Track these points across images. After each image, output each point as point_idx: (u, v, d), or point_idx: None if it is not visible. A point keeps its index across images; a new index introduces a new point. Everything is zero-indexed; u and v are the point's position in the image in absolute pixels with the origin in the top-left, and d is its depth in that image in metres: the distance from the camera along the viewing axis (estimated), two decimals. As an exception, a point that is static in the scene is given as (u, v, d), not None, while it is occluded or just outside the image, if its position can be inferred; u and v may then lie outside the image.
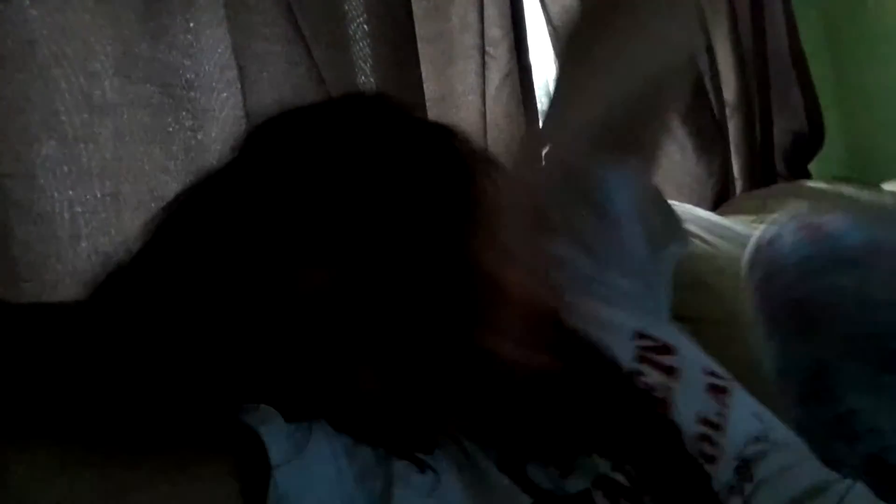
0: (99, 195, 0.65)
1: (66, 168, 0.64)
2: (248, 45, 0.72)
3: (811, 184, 1.37)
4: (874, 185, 1.33)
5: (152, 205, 0.66)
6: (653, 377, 0.45)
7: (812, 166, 1.55)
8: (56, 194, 0.64)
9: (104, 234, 0.65)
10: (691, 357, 0.48)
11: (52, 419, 0.38)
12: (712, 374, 0.47)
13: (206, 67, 0.71)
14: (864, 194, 1.26)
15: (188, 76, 0.70)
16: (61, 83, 0.64)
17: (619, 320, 0.48)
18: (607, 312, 0.48)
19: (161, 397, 0.37)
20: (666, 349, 0.47)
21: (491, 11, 0.97)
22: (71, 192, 0.64)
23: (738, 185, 1.41)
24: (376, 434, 0.40)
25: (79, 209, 0.64)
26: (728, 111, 1.40)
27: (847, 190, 1.27)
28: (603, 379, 0.43)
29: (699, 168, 1.29)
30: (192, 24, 0.71)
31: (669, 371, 0.45)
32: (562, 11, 1.10)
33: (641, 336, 0.47)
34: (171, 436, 0.37)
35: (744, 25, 1.46)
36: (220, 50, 0.71)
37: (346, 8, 0.79)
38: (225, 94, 0.72)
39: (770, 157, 1.48)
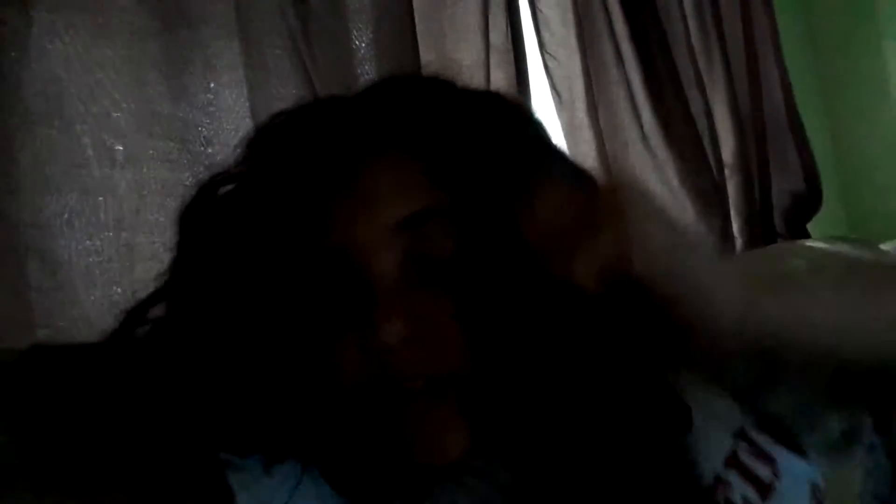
0: (115, 246, 0.67)
1: (84, 219, 0.66)
2: (264, 104, 0.75)
3: (810, 243, 1.38)
4: (872, 244, 1.34)
5: (165, 256, 0.68)
6: (740, 491, 0.38)
7: (811, 227, 1.57)
8: (73, 244, 0.66)
9: (117, 283, 0.67)
10: (797, 473, 0.41)
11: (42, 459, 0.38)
12: (818, 498, 0.41)
13: (224, 125, 0.74)
14: (864, 252, 1.28)
15: (206, 133, 0.73)
16: (85, 138, 0.67)
17: (726, 410, 0.41)
18: (718, 402, 0.41)
19: (154, 433, 0.37)
20: (766, 457, 0.40)
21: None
22: (88, 243, 0.66)
23: (739, 243, 1.43)
24: (363, 473, 0.39)
25: (95, 259, 0.66)
26: (727, 172, 1.43)
27: (845, 249, 1.29)
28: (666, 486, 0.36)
29: (699, 227, 1.31)
30: (212, 85, 0.74)
31: (762, 487, 0.39)
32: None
33: (744, 436, 0.41)
34: (159, 482, 0.37)
35: (741, 89, 1.50)
36: (237, 109, 0.74)
37: (359, 72, 0.83)
38: (239, 149, 0.75)
39: (769, 217, 1.51)
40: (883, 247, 1.35)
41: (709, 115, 1.38)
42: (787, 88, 1.58)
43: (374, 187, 0.38)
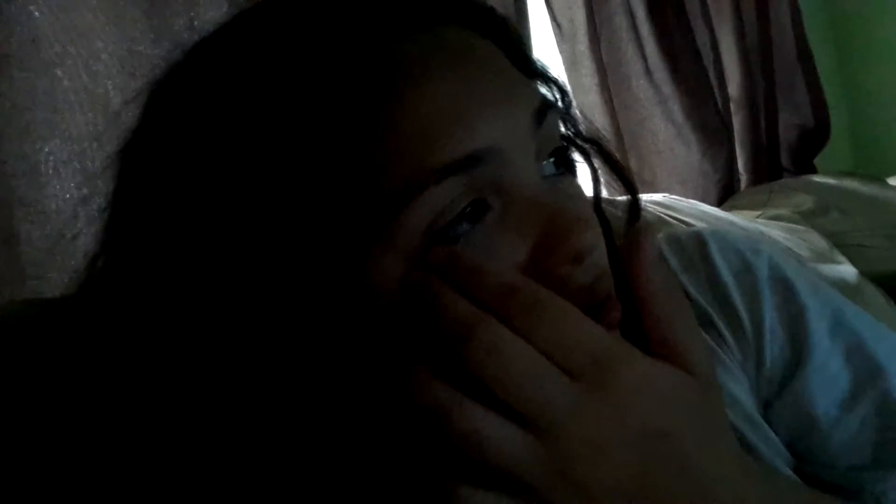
0: (103, 193, 0.65)
1: (70, 167, 0.64)
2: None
3: (816, 178, 1.36)
4: (880, 179, 1.32)
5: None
6: None
7: (817, 161, 1.55)
8: (60, 192, 0.64)
9: (108, 232, 0.66)
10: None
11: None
12: None
13: (210, 65, 0.71)
14: (871, 189, 1.26)
15: (191, 74, 0.70)
16: (65, 82, 0.64)
17: (739, 396, 0.37)
18: (732, 386, 0.38)
19: None
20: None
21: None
22: (75, 191, 0.65)
23: (744, 179, 1.41)
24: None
25: (83, 207, 0.64)
26: (733, 106, 1.40)
27: (852, 184, 1.27)
28: None
29: (704, 163, 1.29)
30: (195, 23, 0.71)
31: None
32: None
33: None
34: None
35: (749, 20, 1.45)
36: (223, 47, 0.71)
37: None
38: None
39: (775, 152, 1.48)
40: (891, 181, 1.33)
41: (715, 47, 1.34)
42: (797, 19, 1.52)
43: (501, 79, 0.29)
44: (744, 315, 0.39)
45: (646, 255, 0.28)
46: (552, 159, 0.31)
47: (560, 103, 0.36)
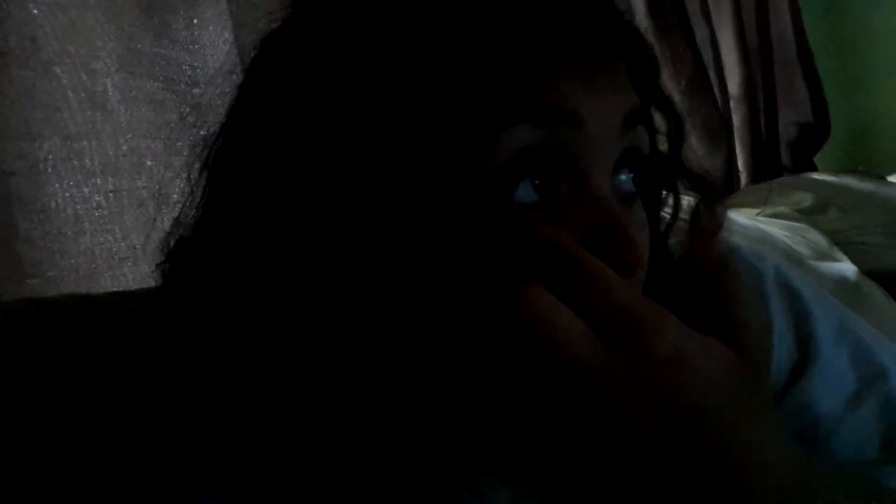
0: (102, 192, 0.66)
1: (69, 165, 0.64)
2: (250, 39, 0.72)
3: (816, 176, 1.36)
4: (880, 176, 1.32)
5: (153, 201, 0.66)
6: None
7: (817, 159, 1.55)
8: (59, 191, 0.64)
9: (107, 230, 0.65)
10: None
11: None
12: None
13: (209, 63, 0.71)
14: (871, 186, 1.26)
15: (191, 72, 0.70)
16: (63, 80, 0.64)
17: None
18: None
19: None
20: None
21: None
22: (75, 190, 0.64)
23: (743, 177, 1.41)
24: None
25: (83, 206, 0.65)
26: (732, 104, 1.40)
27: (852, 182, 1.27)
28: None
29: (703, 161, 1.29)
30: (194, 21, 0.71)
31: None
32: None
33: None
34: None
35: (748, 17, 1.45)
36: (222, 45, 0.71)
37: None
38: (227, 90, 0.72)
39: (775, 150, 1.48)
40: (891, 178, 1.33)
41: (714, 44, 1.34)
42: (796, 15, 1.52)
43: (604, 66, 0.31)
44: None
45: (715, 232, 0.28)
46: (630, 173, 0.32)
47: (672, 135, 0.37)
